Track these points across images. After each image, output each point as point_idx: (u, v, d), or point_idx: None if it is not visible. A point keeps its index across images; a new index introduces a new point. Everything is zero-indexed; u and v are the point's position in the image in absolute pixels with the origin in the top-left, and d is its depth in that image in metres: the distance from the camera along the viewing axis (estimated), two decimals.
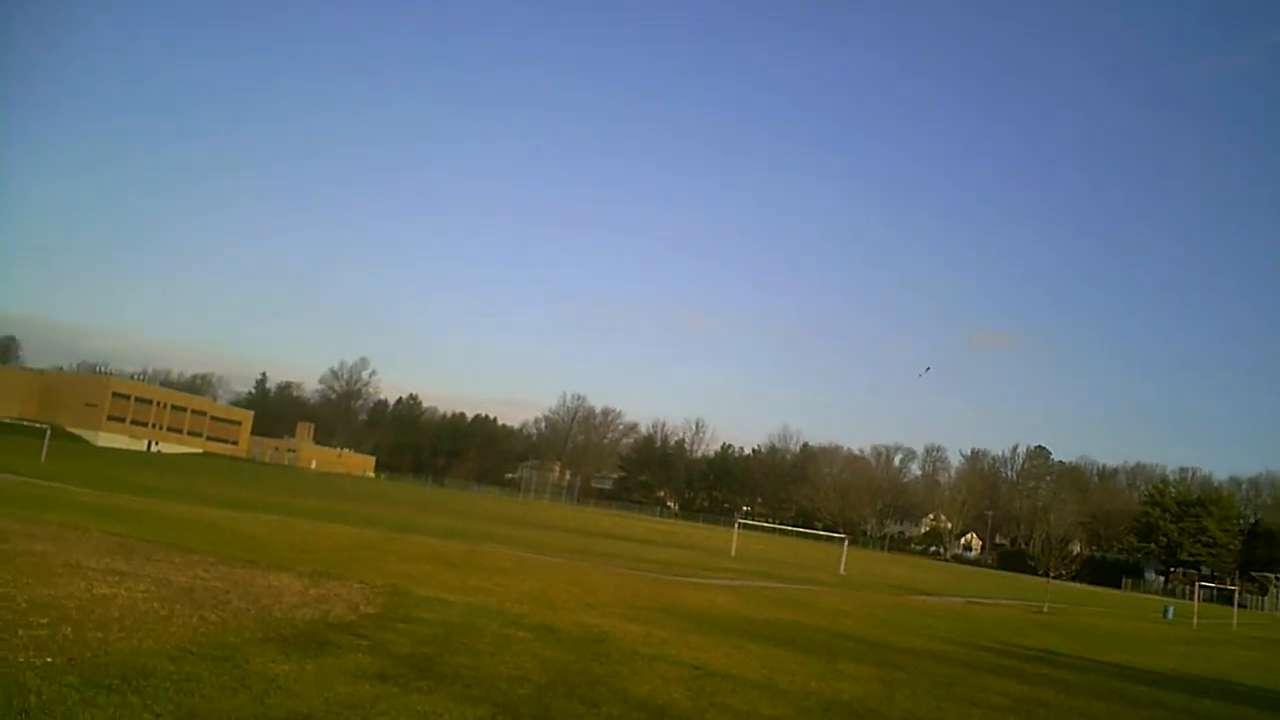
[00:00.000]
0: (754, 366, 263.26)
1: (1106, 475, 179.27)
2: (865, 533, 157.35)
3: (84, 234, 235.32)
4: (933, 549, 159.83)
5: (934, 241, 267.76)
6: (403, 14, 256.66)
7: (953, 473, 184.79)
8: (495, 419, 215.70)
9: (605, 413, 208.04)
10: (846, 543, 66.94)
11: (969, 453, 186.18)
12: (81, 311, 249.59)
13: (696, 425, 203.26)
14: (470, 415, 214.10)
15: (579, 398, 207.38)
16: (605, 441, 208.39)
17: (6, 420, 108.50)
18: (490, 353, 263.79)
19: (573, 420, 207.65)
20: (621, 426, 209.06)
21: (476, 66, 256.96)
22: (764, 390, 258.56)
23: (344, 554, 24.18)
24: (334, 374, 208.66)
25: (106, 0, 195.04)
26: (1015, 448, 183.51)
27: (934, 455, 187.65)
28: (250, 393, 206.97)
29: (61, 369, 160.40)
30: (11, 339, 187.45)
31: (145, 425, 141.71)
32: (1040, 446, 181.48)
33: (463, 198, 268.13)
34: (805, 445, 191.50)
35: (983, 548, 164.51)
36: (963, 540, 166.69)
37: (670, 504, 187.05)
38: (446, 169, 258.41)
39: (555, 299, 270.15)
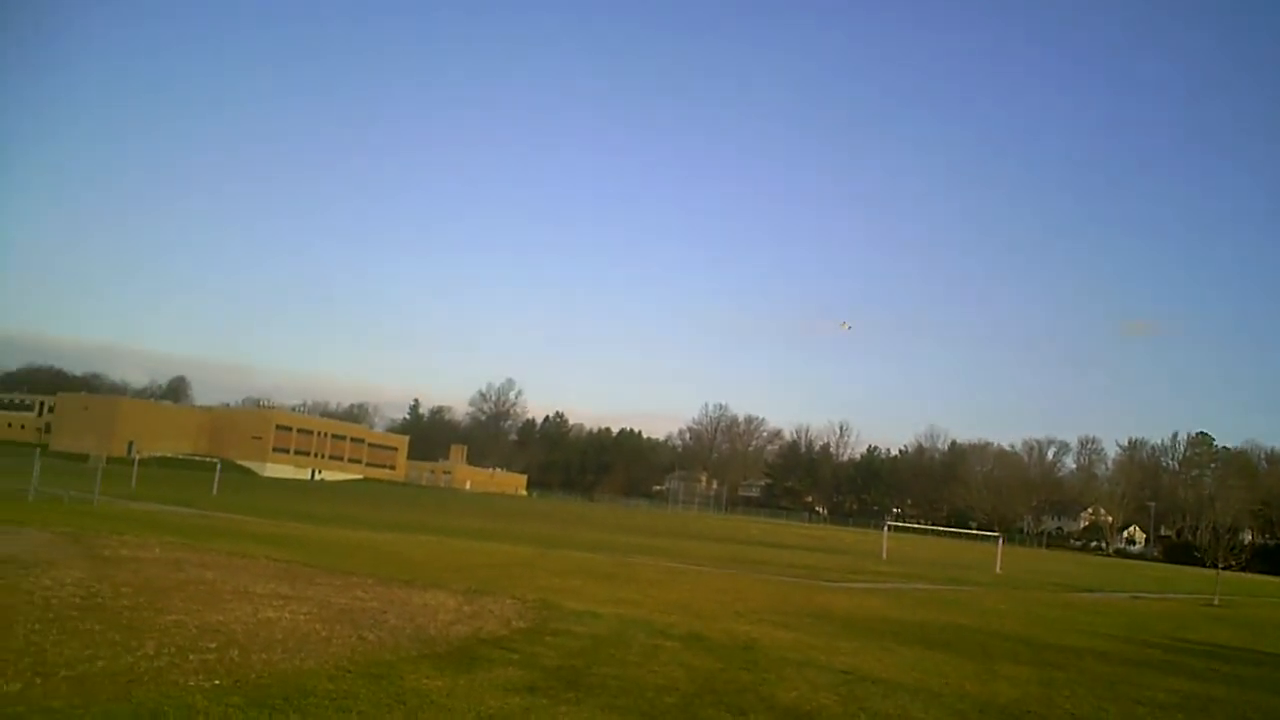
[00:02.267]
0: (895, 366, 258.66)
1: (1276, 459, 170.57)
2: (1021, 530, 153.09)
3: (245, 282, 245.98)
4: (1093, 544, 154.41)
5: (1082, 230, 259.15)
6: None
7: (1110, 464, 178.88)
8: (640, 432, 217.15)
9: (748, 421, 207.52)
10: (1001, 541, 65.04)
11: (1126, 443, 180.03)
12: (245, 351, 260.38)
13: (840, 429, 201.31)
14: (615, 430, 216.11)
15: (721, 407, 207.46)
16: (750, 449, 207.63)
17: (181, 456, 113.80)
18: (631, 367, 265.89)
19: (716, 430, 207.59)
20: (765, 434, 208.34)
21: (604, 73, 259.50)
22: (907, 389, 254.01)
23: (497, 571, 24.58)
24: (482, 396, 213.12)
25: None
26: (1175, 436, 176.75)
27: (1089, 447, 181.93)
28: (405, 419, 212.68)
29: (228, 405, 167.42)
30: (182, 379, 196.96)
31: (308, 455, 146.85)
32: (1202, 433, 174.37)
33: (593, 214, 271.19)
34: (954, 443, 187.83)
35: (1146, 541, 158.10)
36: (1125, 534, 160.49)
37: (819, 509, 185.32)
38: (575, 185, 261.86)
39: (692, 310, 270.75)
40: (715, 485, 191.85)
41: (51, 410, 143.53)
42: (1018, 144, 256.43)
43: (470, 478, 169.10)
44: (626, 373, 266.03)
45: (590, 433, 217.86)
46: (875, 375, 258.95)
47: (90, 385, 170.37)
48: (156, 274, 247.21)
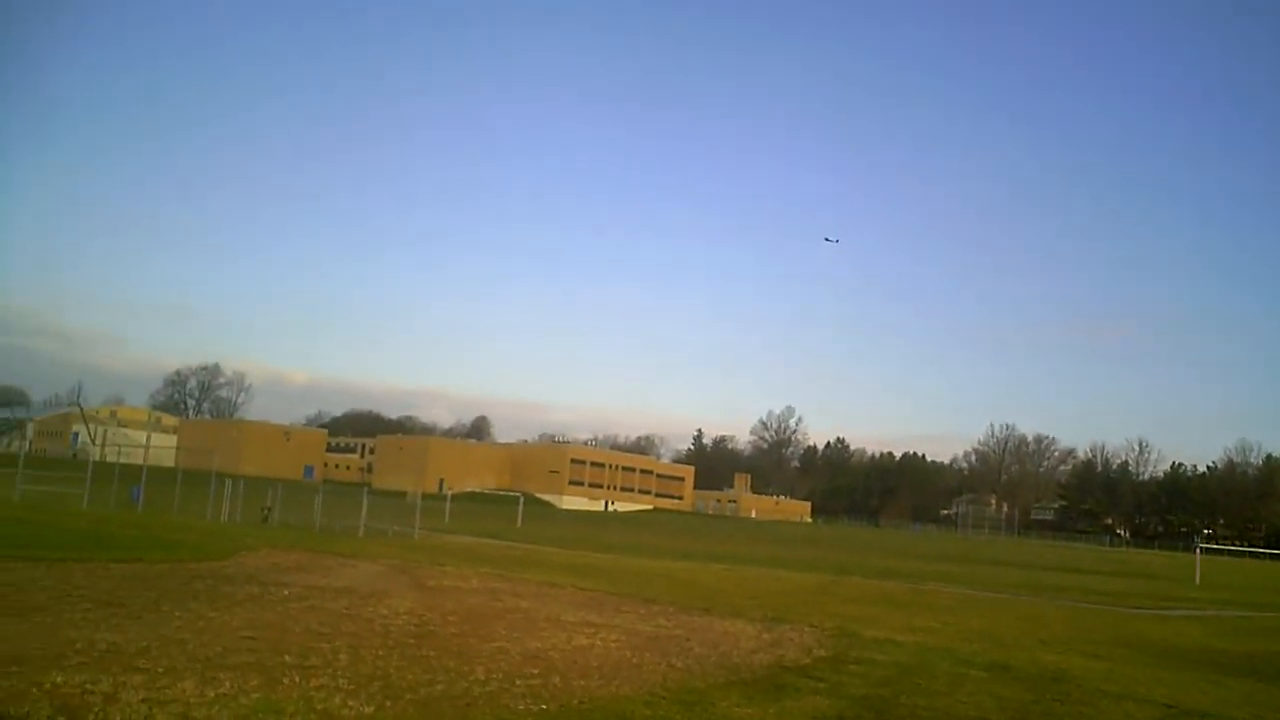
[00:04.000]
0: (1198, 375, 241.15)
1: None
2: None
3: (540, 328, 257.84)
4: None
5: None
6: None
7: None
8: (924, 455, 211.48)
9: (1037, 440, 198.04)
10: None
11: None
12: (540, 391, 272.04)
13: (1140, 445, 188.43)
14: (898, 454, 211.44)
15: (1008, 427, 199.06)
16: (1041, 470, 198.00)
17: (486, 491, 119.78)
18: (911, 389, 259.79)
19: (1004, 450, 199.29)
20: (1056, 453, 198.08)
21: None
22: (1212, 400, 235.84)
23: (791, 599, 24.50)
24: (763, 424, 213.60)
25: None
26: None
27: None
28: (689, 449, 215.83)
29: (526, 442, 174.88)
30: (484, 419, 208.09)
31: (601, 487, 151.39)
32: None
33: (867, 241, 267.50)
34: (1269, 457, 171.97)
35: None
36: None
37: (1120, 531, 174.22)
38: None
39: (969, 326, 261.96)
40: (1006, 508, 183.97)
41: (372, 452, 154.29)
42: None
43: (755, 506, 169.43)
44: (907, 395, 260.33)
45: (873, 457, 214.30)
46: (1175, 386, 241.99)
47: (404, 427, 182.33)
48: (460, 325, 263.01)
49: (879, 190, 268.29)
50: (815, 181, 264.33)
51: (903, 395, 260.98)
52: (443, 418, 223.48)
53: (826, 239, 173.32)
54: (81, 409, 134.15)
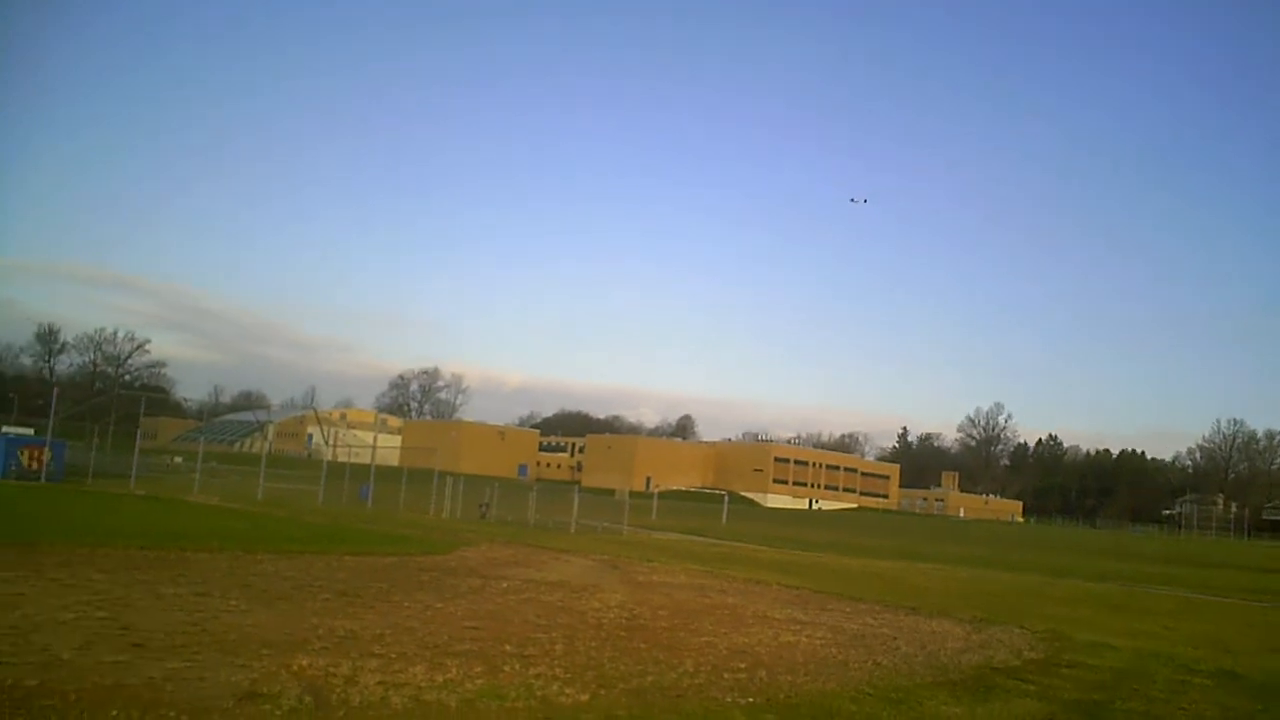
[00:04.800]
0: None
1: None
2: None
3: (745, 328, 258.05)
4: None
5: None
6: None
7: None
8: (1143, 453, 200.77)
9: (1269, 436, 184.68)
10: None
11: None
12: (743, 388, 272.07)
13: None
14: (1115, 451, 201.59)
15: (1236, 423, 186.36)
16: (1273, 468, 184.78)
17: (691, 489, 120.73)
18: (1128, 383, 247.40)
19: (1231, 448, 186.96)
20: None
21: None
22: None
23: (1001, 599, 23.87)
24: (971, 421, 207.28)
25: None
26: None
27: None
28: (894, 447, 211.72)
29: (730, 440, 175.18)
30: (688, 417, 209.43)
31: (805, 485, 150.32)
32: None
33: (1069, 229, 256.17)
34: None
35: None
36: None
37: None
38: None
39: (1188, 314, 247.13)
40: (1234, 508, 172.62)
41: (582, 450, 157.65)
42: None
43: (963, 504, 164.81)
44: (1122, 390, 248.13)
45: (1088, 455, 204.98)
46: None
47: (612, 427, 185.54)
48: (665, 326, 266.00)
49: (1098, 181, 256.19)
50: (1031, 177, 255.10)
51: (1118, 390, 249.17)
52: (648, 417, 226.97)
53: (852, 200, 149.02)
54: (316, 412, 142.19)
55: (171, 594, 13.53)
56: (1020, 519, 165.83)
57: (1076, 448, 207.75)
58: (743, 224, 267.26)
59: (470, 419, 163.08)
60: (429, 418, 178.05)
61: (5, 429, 52.93)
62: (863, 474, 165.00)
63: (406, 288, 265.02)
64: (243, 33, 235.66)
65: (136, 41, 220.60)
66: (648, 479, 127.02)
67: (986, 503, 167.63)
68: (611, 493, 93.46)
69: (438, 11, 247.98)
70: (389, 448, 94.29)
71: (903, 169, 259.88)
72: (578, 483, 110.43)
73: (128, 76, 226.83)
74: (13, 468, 46.44)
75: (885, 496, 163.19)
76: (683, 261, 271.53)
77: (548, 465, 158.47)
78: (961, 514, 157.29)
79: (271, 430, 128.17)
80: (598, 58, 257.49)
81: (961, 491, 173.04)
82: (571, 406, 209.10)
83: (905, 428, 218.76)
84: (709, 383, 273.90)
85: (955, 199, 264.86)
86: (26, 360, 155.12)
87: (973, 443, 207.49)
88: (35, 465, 47.14)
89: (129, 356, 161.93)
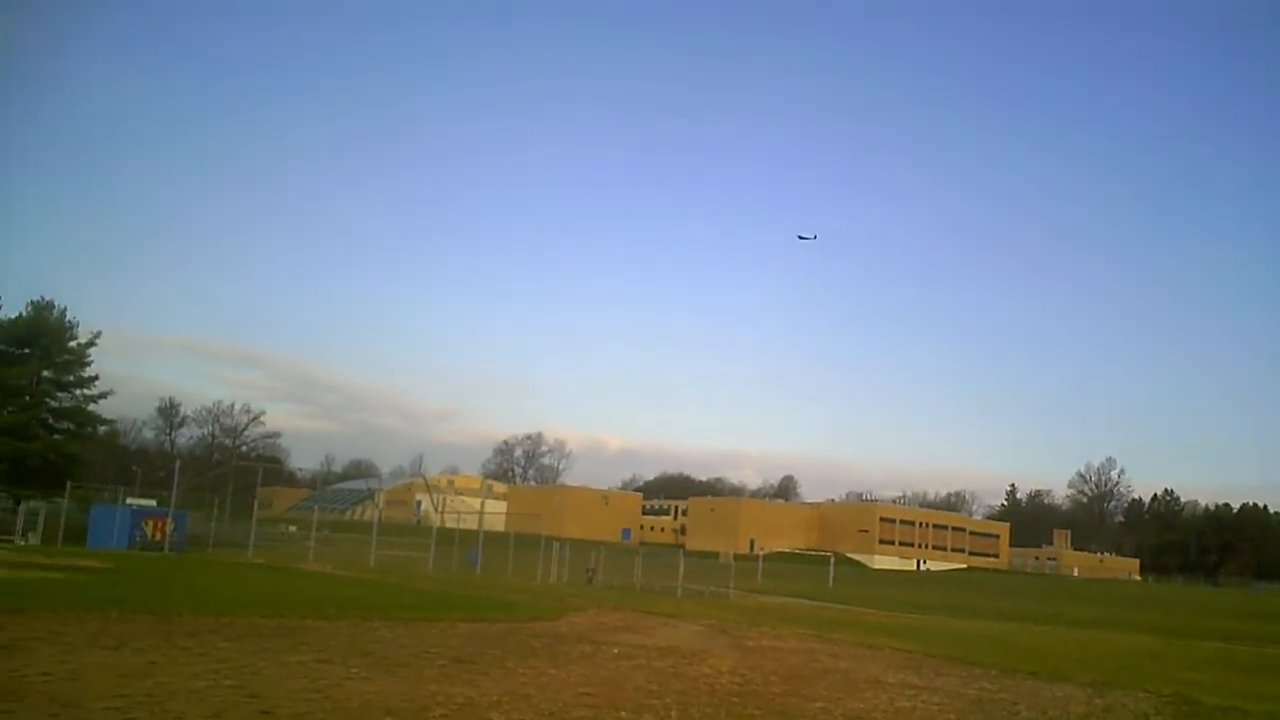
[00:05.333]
0: None
1: None
2: None
3: (844, 387, 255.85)
4: None
5: None
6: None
7: None
8: (1266, 507, 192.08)
9: None
10: None
11: None
12: (845, 448, 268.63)
13: None
14: (1236, 505, 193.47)
15: None
16: None
17: (796, 550, 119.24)
18: (1249, 435, 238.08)
19: None
20: None
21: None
22: None
23: (1122, 662, 23.05)
24: (1081, 477, 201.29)
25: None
26: None
27: None
28: (1002, 505, 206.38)
29: (833, 500, 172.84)
30: (790, 478, 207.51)
31: (911, 545, 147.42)
32: None
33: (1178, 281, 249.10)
34: None
35: None
36: None
37: None
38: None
39: None
40: None
41: (684, 513, 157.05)
42: None
43: (1077, 563, 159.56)
44: (1243, 440, 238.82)
45: (1207, 509, 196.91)
46: None
47: (714, 489, 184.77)
48: (764, 387, 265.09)
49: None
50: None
51: (1238, 441, 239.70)
52: (750, 478, 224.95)
53: (801, 237, 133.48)
54: (425, 479, 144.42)
55: (295, 662, 13.82)
56: (1138, 577, 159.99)
57: (1195, 502, 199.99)
58: (838, 284, 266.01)
59: (573, 483, 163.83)
60: (533, 483, 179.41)
61: (129, 500, 54.79)
62: (971, 533, 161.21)
63: (508, 355, 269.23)
64: (351, 121, 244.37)
65: (257, 133, 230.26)
66: (751, 541, 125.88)
67: (1101, 561, 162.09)
68: (716, 555, 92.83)
69: (574, 95, 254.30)
70: (495, 513, 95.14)
71: (1014, 223, 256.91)
72: (681, 546, 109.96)
73: (249, 167, 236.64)
74: (138, 538, 48.07)
75: (995, 556, 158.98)
76: (783, 321, 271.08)
77: (651, 528, 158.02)
78: (1075, 573, 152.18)
79: (381, 498, 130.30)
80: (731, 132, 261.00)
81: (1074, 550, 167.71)
82: (673, 469, 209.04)
83: (1013, 485, 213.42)
84: (810, 443, 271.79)
85: (1059, 251, 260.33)
86: (149, 433, 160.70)
87: (1084, 499, 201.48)
88: (159, 536, 48.73)
89: (245, 428, 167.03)
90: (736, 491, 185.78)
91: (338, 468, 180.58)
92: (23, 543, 46.73)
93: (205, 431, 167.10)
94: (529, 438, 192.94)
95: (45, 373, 61.45)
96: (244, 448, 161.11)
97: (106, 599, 20.48)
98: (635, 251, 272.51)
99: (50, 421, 62.16)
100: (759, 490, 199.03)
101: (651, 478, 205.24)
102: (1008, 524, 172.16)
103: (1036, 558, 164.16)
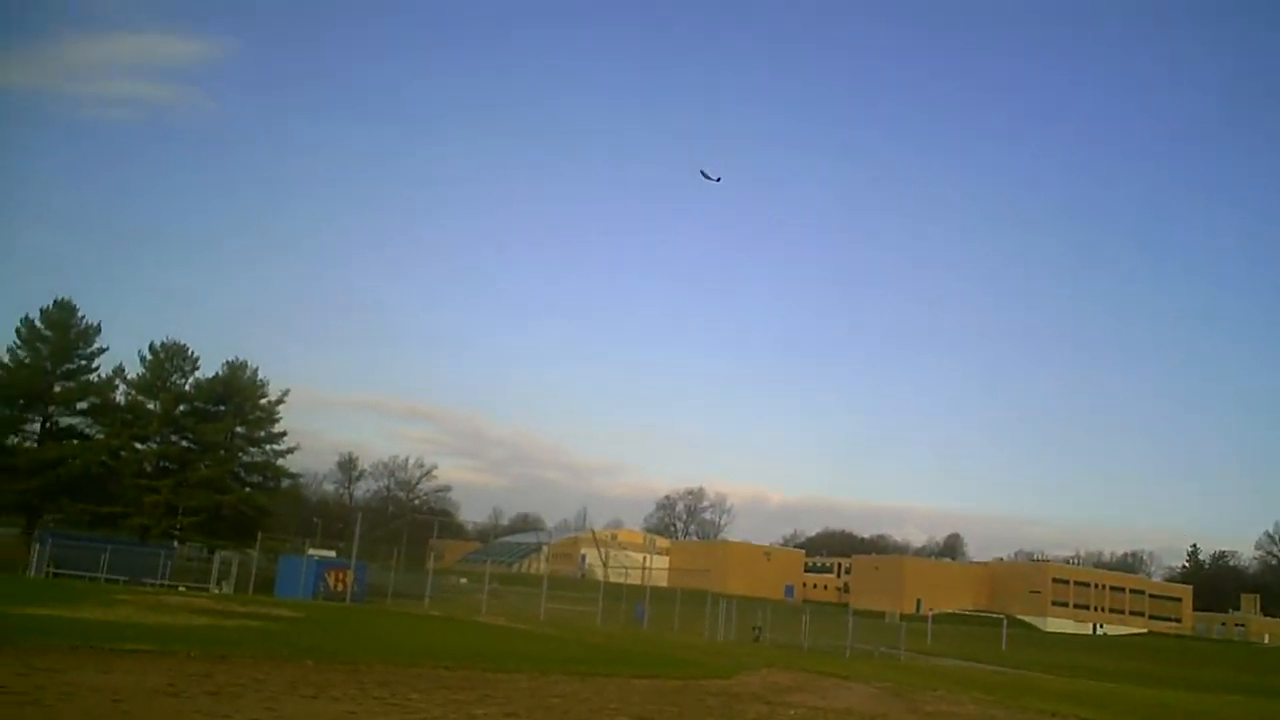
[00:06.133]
0: None
1: None
2: None
3: (1010, 438, 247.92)
4: None
5: None
6: None
7: None
8: None
9: None
10: None
11: None
12: (1010, 503, 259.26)
13: None
14: None
15: None
16: None
17: (964, 611, 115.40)
18: None
19: None
20: None
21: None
22: None
23: None
24: (1270, 538, 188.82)
25: None
26: None
27: None
28: (1183, 566, 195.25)
29: (1002, 559, 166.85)
30: (957, 536, 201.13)
31: (1087, 608, 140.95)
32: None
33: None
34: None
35: None
36: None
37: None
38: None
39: None
40: None
41: (848, 571, 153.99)
42: None
43: (1268, 630, 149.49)
44: None
45: None
46: None
47: (877, 546, 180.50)
48: (928, 443, 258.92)
49: None
50: None
51: None
52: (914, 535, 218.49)
53: (704, 174, 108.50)
54: (594, 533, 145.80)
55: (482, 714, 14.15)
56: None
57: None
58: (996, 336, 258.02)
59: (734, 538, 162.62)
60: (694, 537, 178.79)
61: (311, 551, 57.01)
62: (1151, 596, 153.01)
63: (670, 408, 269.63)
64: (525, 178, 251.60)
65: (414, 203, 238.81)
66: (918, 601, 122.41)
67: None
68: (881, 615, 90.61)
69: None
70: (658, 569, 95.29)
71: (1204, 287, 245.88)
72: (846, 604, 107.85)
73: (417, 243, 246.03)
74: (321, 588, 49.94)
75: (1177, 621, 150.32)
76: (946, 377, 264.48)
77: (814, 585, 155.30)
78: (1266, 640, 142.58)
79: (547, 551, 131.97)
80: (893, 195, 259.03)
81: (1264, 614, 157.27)
82: (835, 525, 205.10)
83: (1195, 545, 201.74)
84: (976, 499, 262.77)
85: (1236, 283, 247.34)
86: (329, 487, 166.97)
87: (1274, 561, 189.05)
88: (341, 586, 50.52)
89: (419, 481, 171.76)
90: (900, 549, 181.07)
91: (504, 521, 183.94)
92: (217, 591, 49.14)
93: (381, 485, 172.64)
94: (690, 492, 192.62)
95: (238, 429, 64.89)
96: (416, 500, 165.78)
97: (301, 648, 21.35)
98: (793, 312, 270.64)
99: (242, 475, 65.54)
100: (924, 548, 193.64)
101: (813, 533, 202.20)
102: (1189, 586, 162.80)
103: (1223, 623, 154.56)
